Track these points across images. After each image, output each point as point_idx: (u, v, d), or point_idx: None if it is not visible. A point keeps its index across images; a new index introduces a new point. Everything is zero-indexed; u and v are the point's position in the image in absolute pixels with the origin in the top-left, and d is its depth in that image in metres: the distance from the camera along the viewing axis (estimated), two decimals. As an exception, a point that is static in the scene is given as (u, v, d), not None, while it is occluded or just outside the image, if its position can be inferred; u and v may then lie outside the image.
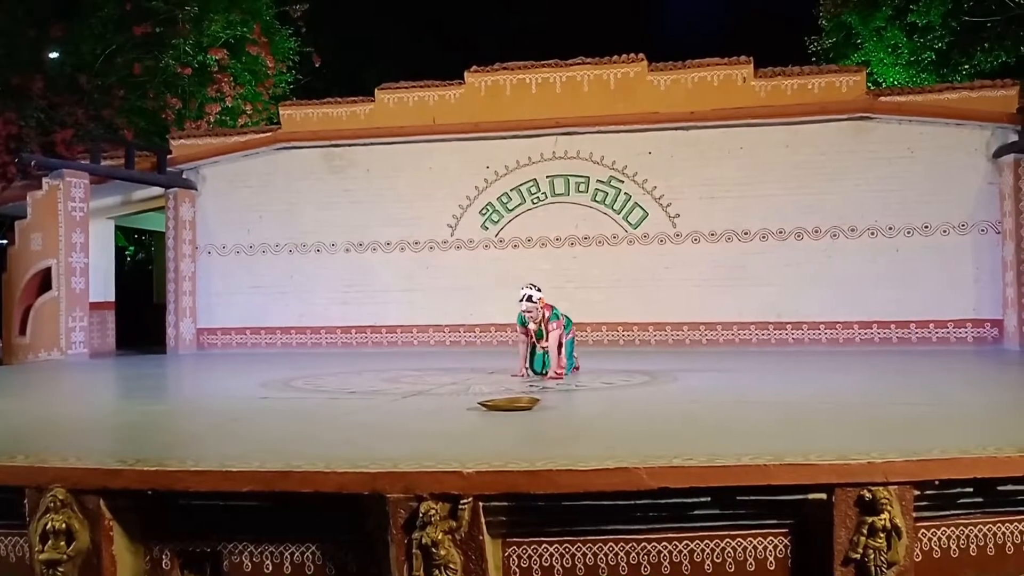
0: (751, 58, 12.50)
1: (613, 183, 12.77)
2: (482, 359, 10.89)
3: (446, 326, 13.11)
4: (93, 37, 15.90)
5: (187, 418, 6.35)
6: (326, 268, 13.46)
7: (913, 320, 11.88)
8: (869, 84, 13.70)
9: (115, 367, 11.30)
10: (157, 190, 13.72)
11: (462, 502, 3.59)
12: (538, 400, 5.89)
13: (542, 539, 3.76)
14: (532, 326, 8.44)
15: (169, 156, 13.67)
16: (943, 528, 3.81)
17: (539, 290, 8.46)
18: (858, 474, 3.62)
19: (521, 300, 8.39)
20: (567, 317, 8.53)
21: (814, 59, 19.34)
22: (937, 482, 3.70)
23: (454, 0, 26.58)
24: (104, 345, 13.97)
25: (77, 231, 12.05)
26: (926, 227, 11.90)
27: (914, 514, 3.67)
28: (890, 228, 12.00)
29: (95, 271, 12.83)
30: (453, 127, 13.05)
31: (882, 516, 3.56)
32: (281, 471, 3.77)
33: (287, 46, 19.97)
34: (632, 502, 3.67)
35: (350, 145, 13.43)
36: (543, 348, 8.46)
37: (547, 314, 8.41)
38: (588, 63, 12.90)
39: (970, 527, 3.83)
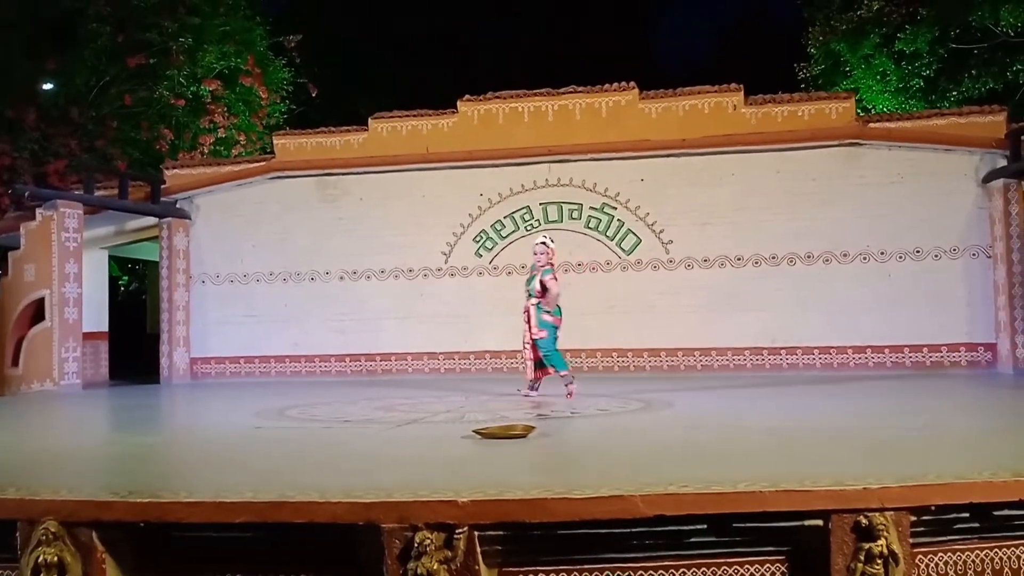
0: (741, 86, 12.62)
1: (606, 210, 12.83)
2: (477, 386, 10.87)
3: (440, 353, 13.10)
4: (87, 68, 16.00)
5: (181, 449, 6.32)
6: (320, 296, 13.45)
7: (906, 344, 11.91)
8: (858, 111, 13.82)
9: (108, 398, 11.24)
10: (151, 220, 13.73)
11: (457, 532, 3.57)
12: (533, 428, 5.87)
13: (538, 568, 3.74)
14: (531, 274, 8.97)
15: (163, 186, 13.69)
16: (940, 554, 3.80)
17: (553, 242, 9.17)
18: (854, 500, 3.62)
19: (537, 243, 9.04)
20: (559, 307, 8.93)
21: (803, 86, 19.53)
22: (933, 507, 3.69)
23: (447, 31, 26.87)
24: (97, 375, 13.91)
25: (71, 261, 12.04)
26: (918, 252, 11.97)
27: (911, 540, 3.66)
28: (882, 253, 12.06)
29: (89, 301, 12.79)
30: (446, 155, 13.13)
31: (879, 542, 3.55)
32: (274, 502, 3.74)
33: (280, 76, 20.11)
34: (628, 530, 3.65)
35: (344, 174, 13.48)
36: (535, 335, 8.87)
37: (549, 265, 8.92)
38: (580, 92, 13.01)
39: (967, 552, 3.82)
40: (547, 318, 8.88)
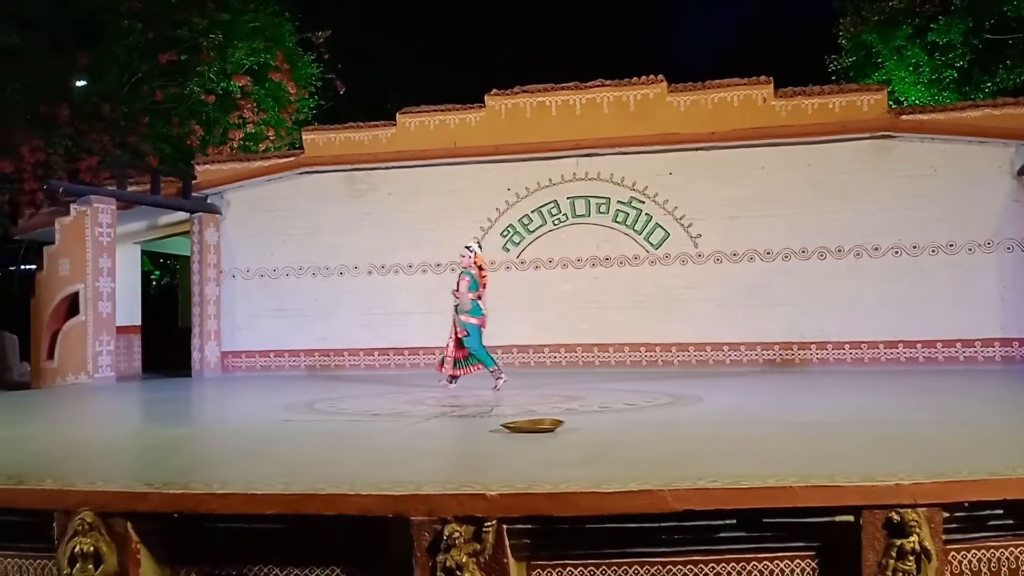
0: (771, 78, 12.50)
1: (634, 204, 12.79)
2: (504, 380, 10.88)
3: (468, 348, 13.11)
4: (119, 65, 16.17)
5: (212, 441, 6.39)
6: (348, 291, 13.53)
7: (939, 339, 11.75)
8: (890, 103, 13.65)
9: (141, 390, 11.40)
10: (182, 215, 13.88)
11: (486, 525, 3.58)
12: (561, 422, 5.87)
13: (566, 562, 3.74)
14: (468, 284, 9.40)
15: (194, 181, 13.84)
16: (973, 551, 3.75)
17: (480, 248, 9.81)
18: (885, 496, 3.58)
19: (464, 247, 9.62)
20: (477, 304, 9.38)
21: (834, 78, 19.32)
22: (966, 504, 3.65)
23: (474, 25, 26.87)
24: (130, 369, 14.10)
25: (104, 256, 12.20)
26: (951, 245, 11.81)
27: (943, 536, 3.62)
28: (914, 247, 11.91)
29: (122, 295, 12.96)
30: (474, 150, 13.14)
31: (911, 538, 3.51)
32: (304, 494, 3.78)
33: (309, 72, 20.20)
34: (656, 525, 3.64)
35: (372, 169, 13.54)
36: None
37: (469, 269, 9.41)
38: (608, 85, 12.96)
39: (1001, 549, 3.77)
40: (468, 319, 9.34)
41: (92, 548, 3.77)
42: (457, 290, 9.45)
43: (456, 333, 9.41)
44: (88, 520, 3.78)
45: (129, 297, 14.10)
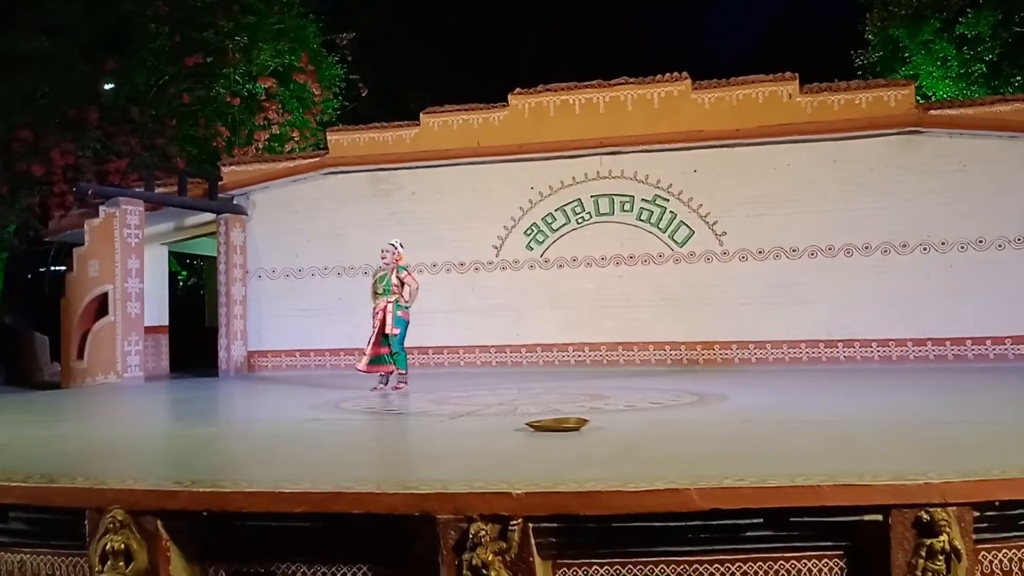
0: (796, 74, 12.41)
1: (658, 202, 12.74)
2: (529, 379, 10.90)
3: (492, 346, 13.15)
4: (146, 69, 16.32)
5: (239, 439, 6.45)
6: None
7: (969, 336, 11.61)
8: (918, 98, 13.50)
9: (169, 390, 11.52)
10: (209, 216, 14.01)
11: (512, 523, 3.59)
12: (586, 421, 5.87)
13: (592, 561, 3.74)
14: (383, 272, 9.39)
15: (220, 182, 13.96)
16: (1004, 550, 3.71)
17: (403, 247, 9.73)
18: (915, 495, 3.55)
19: (386, 245, 9.59)
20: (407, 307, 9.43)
21: (860, 74, 19.14)
22: (997, 503, 3.61)
23: (496, 24, 26.88)
24: (158, 368, 14.25)
25: (132, 257, 12.34)
26: (980, 241, 11.66)
27: (974, 536, 3.58)
28: (943, 243, 11.78)
29: (150, 296, 13.10)
30: (497, 149, 13.15)
31: (941, 538, 3.48)
32: (332, 492, 3.81)
33: (334, 73, 20.30)
34: (683, 523, 3.63)
35: (396, 169, 13.60)
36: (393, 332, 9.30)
37: (402, 264, 9.47)
38: (632, 83, 12.92)
39: (1033, 549, 3.72)
40: (404, 315, 9.42)
41: (123, 546, 3.82)
42: (402, 285, 9.40)
43: (383, 327, 9.31)
44: (119, 518, 3.84)
45: (157, 297, 14.24)
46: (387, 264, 9.47)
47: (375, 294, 9.56)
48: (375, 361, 9.40)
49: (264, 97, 18.05)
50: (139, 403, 9.85)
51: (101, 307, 12.09)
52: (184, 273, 20.83)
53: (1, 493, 4.12)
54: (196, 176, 14.26)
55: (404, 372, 9.46)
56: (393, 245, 9.58)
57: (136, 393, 10.94)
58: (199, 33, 16.77)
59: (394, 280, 9.40)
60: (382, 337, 9.33)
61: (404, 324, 9.39)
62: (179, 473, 4.53)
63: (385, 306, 9.36)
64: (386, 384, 9.45)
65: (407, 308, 9.44)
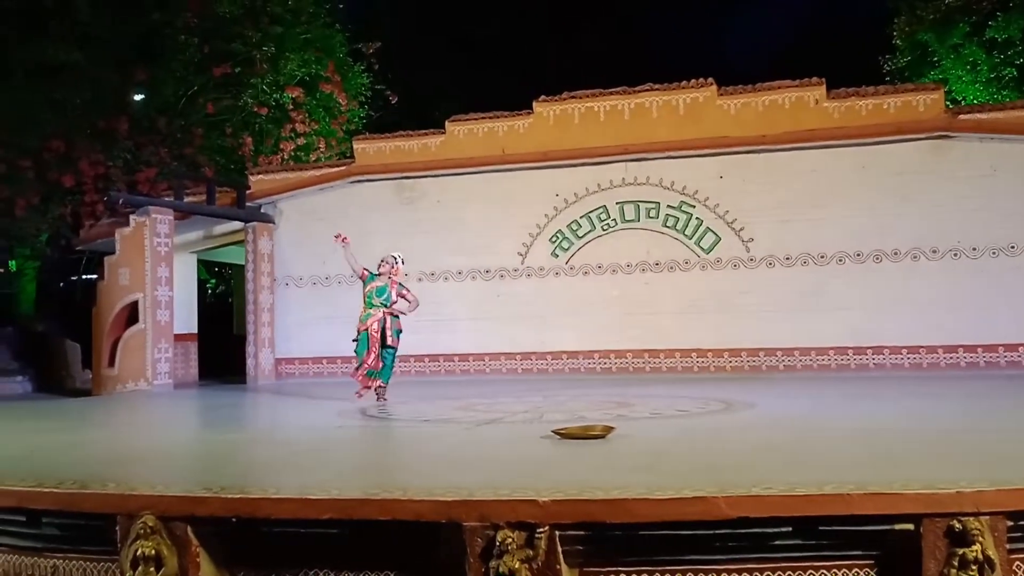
0: (823, 79, 12.32)
1: (684, 208, 12.69)
2: (554, 386, 10.88)
3: (517, 354, 13.14)
4: (175, 79, 16.54)
5: (267, 446, 6.50)
6: (399, 298, 13.62)
7: (1001, 343, 11.45)
8: (947, 102, 13.36)
9: (198, 397, 11.63)
10: (237, 224, 14.14)
11: (538, 531, 3.58)
12: (612, 428, 5.85)
13: (619, 569, 3.73)
14: (379, 282, 9.19)
15: (248, 191, 14.09)
16: (1039, 561, 3.65)
17: (404, 263, 9.63)
18: (947, 504, 3.50)
19: (388, 256, 9.42)
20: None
21: (889, 79, 18.99)
22: (1031, 512, 3.55)
23: (521, 32, 26.95)
24: (187, 375, 14.39)
25: (162, 265, 12.47)
26: (1012, 247, 11.50)
27: (1007, 545, 3.53)
28: (973, 249, 11.63)
29: (179, 304, 13.23)
30: (522, 156, 13.17)
31: (973, 548, 3.43)
32: (358, 499, 3.82)
33: (359, 82, 20.44)
34: (710, 532, 3.61)
35: (421, 177, 13.66)
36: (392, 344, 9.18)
37: (399, 281, 9.32)
38: (657, 89, 12.89)
39: (1068, 560, 3.66)
40: (398, 326, 9.30)
41: (153, 551, 3.86)
42: (398, 298, 9.30)
43: (384, 340, 9.14)
44: (150, 524, 3.87)
45: (186, 305, 14.39)
46: (383, 274, 9.31)
47: (368, 304, 9.25)
48: (371, 374, 9.16)
49: (291, 107, 18.21)
50: (168, 410, 9.95)
51: (131, 315, 12.22)
52: (213, 281, 21.03)
53: (34, 499, 4.18)
54: (224, 185, 14.41)
55: (384, 386, 9.22)
56: (395, 257, 9.46)
57: (165, 400, 11.05)
58: (227, 44, 16.97)
59: (393, 296, 9.30)
60: (382, 348, 9.17)
61: (398, 336, 9.34)
62: (208, 479, 4.57)
63: (383, 317, 9.19)
64: (379, 399, 9.10)
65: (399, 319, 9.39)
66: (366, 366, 9.10)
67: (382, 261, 9.40)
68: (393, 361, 9.32)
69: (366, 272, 9.33)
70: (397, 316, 9.32)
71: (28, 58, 14.28)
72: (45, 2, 14.44)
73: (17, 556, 4.30)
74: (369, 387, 9.15)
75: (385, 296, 9.26)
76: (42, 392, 13.21)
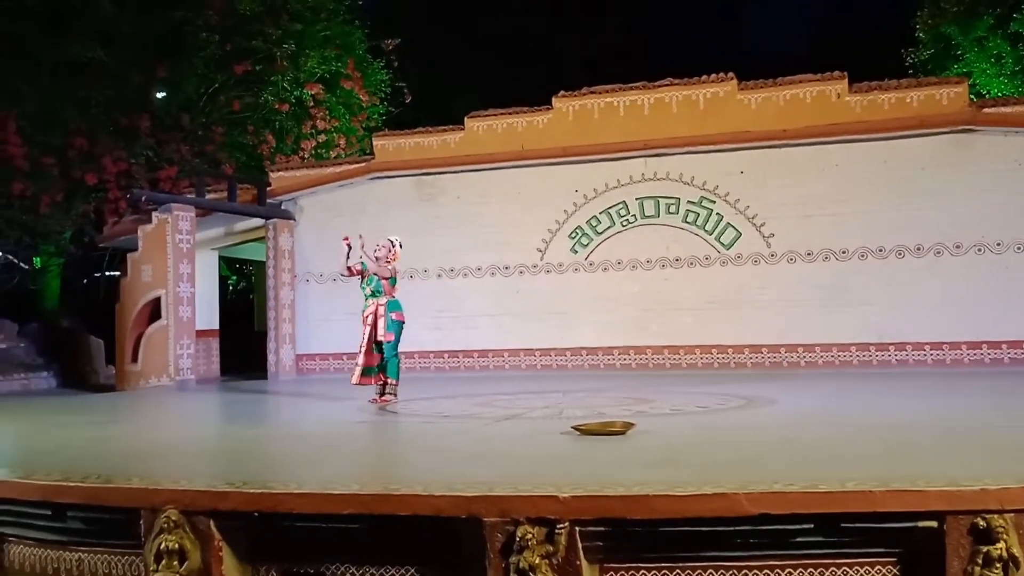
0: (845, 73, 12.23)
1: (704, 203, 12.64)
2: (574, 382, 10.87)
3: (537, 350, 13.15)
4: (196, 77, 16.65)
5: (289, 441, 6.53)
6: (418, 294, 13.61)
7: (1026, 339, 11.33)
8: (971, 96, 13.21)
9: (220, 392, 11.71)
10: (258, 221, 14.21)
11: (559, 527, 3.58)
12: (632, 424, 5.84)
13: (640, 565, 3.72)
14: (371, 266, 8.45)
15: (268, 188, 14.16)
16: (1065, 559, 3.61)
17: (401, 247, 8.70)
18: (971, 501, 3.47)
19: (384, 240, 8.59)
20: (398, 302, 8.58)
21: (911, 72, 18.80)
22: (1057, 510, 3.51)
23: (540, 27, 26.91)
24: (209, 371, 14.50)
25: (184, 262, 12.56)
26: (1037, 242, 11.38)
27: (1033, 543, 3.50)
28: (998, 244, 11.51)
29: (201, 300, 13.31)
30: (542, 152, 13.16)
31: (998, 545, 3.40)
32: (380, 494, 3.84)
33: (379, 78, 20.49)
34: (731, 528, 3.59)
35: (441, 173, 13.68)
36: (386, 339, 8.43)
37: (392, 267, 8.55)
38: (676, 84, 12.84)
39: (1095, 558, 3.62)
40: (397, 316, 8.49)
41: (177, 545, 3.89)
42: (378, 278, 8.52)
43: (376, 335, 8.46)
44: (173, 518, 3.91)
45: (208, 302, 14.49)
46: (379, 258, 8.52)
47: (365, 296, 8.63)
48: (367, 372, 8.53)
49: (311, 104, 18.28)
50: (191, 405, 10.03)
51: (154, 311, 12.32)
52: (234, 278, 21.18)
53: (59, 493, 4.22)
54: (245, 182, 14.49)
55: (395, 383, 8.56)
56: (391, 241, 8.62)
57: (188, 396, 11.14)
58: (248, 41, 17.07)
59: (384, 282, 8.54)
60: (374, 344, 8.52)
61: (398, 328, 8.50)
62: (231, 474, 4.60)
63: (376, 309, 8.51)
64: (382, 396, 8.56)
65: (400, 309, 8.55)
66: (358, 366, 8.54)
67: (378, 246, 8.61)
68: (394, 355, 8.53)
69: (358, 267, 8.61)
70: (394, 308, 8.50)
71: (52, 56, 14.42)
72: (69, 0, 14.57)
73: (42, 549, 4.36)
74: (370, 383, 8.59)
75: (375, 284, 8.55)
76: (67, 387, 13.36)
